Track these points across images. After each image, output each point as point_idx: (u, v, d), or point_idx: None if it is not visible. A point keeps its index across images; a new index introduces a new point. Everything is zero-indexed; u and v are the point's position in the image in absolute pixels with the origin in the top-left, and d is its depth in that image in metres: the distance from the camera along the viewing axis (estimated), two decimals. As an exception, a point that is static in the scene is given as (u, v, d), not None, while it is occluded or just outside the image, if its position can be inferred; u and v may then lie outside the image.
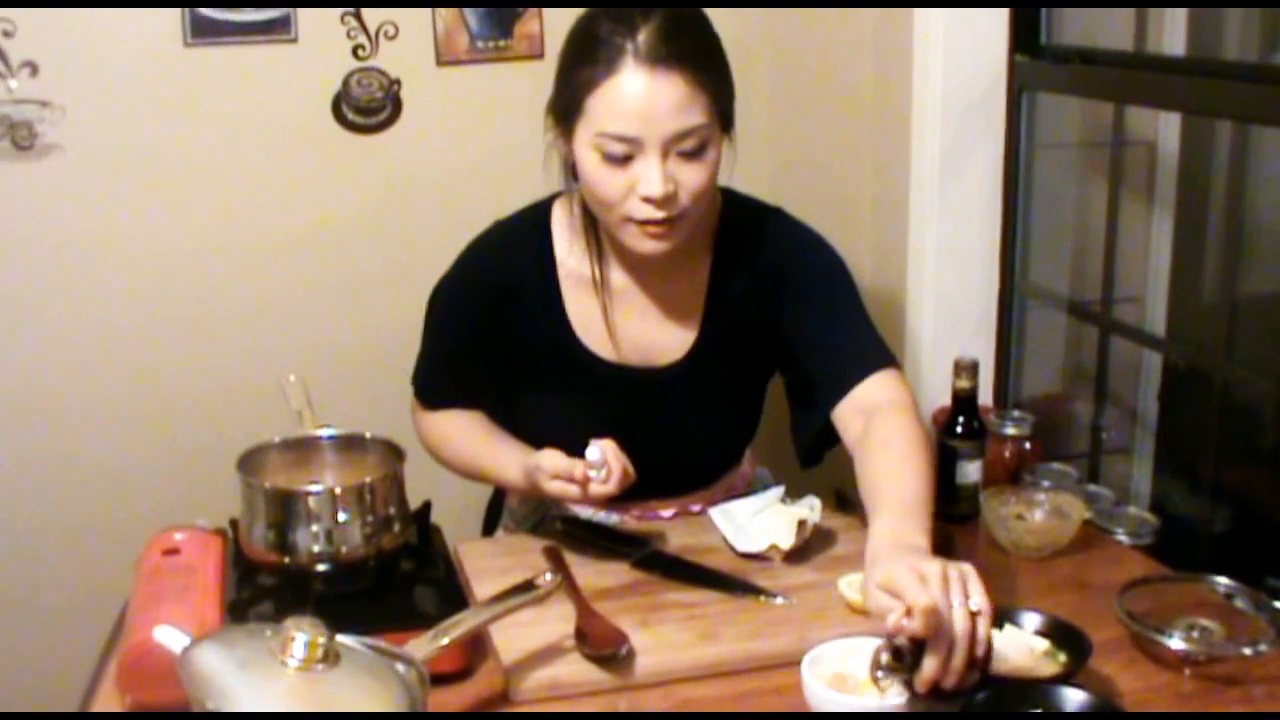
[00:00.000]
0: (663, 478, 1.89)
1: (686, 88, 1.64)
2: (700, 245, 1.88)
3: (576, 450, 1.71)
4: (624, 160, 1.66)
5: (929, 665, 1.34)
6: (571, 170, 1.77)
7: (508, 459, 1.84)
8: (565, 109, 1.72)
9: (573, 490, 1.70)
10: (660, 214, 1.68)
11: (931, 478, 1.64)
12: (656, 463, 1.78)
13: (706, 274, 1.88)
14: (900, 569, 1.39)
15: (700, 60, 1.67)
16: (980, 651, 1.36)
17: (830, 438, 1.83)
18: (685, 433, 1.92)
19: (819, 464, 1.92)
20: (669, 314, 1.88)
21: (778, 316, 1.87)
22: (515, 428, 1.92)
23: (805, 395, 1.87)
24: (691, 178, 1.68)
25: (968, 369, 1.95)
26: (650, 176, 1.65)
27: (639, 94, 1.63)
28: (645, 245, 1.73)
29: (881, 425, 1.70)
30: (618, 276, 1.87)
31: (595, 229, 1.84)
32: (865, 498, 1.64)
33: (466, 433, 1.93)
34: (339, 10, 2.27)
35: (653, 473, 1.78)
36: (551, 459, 1.72)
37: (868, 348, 1.83)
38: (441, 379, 1.96)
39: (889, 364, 1.80)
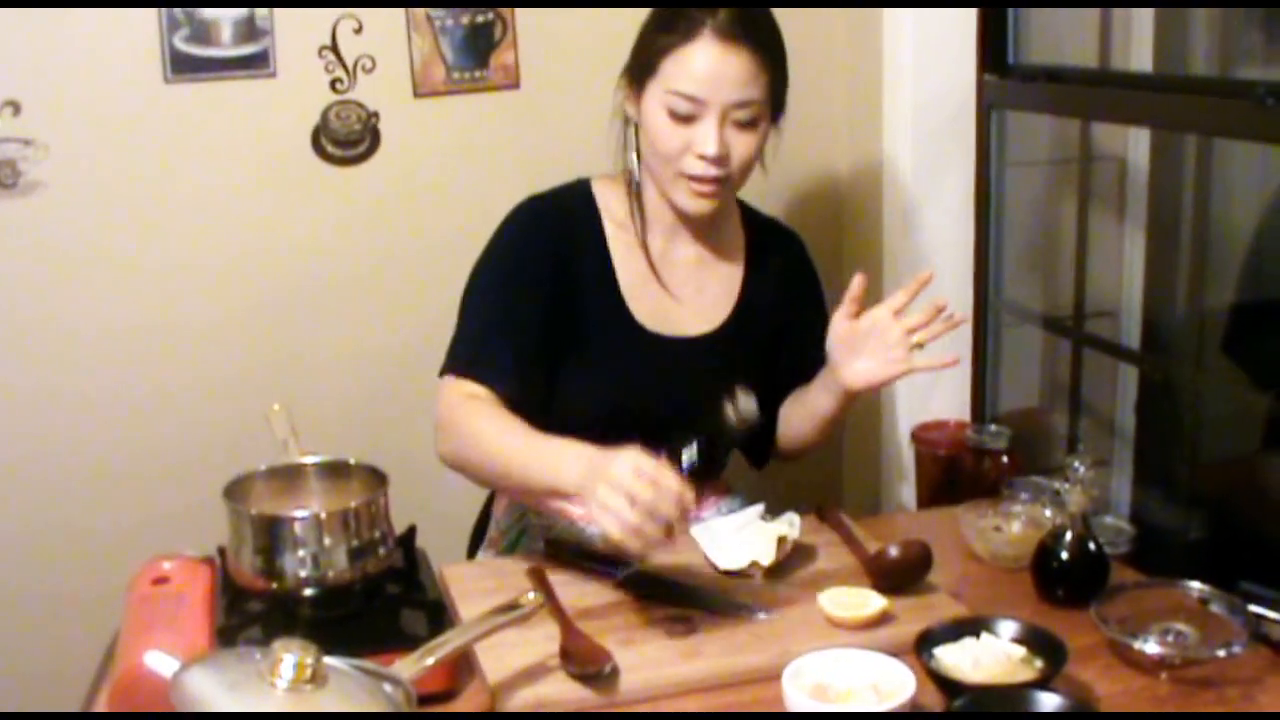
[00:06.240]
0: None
1: (751, 65, 1.84)
2: (734, 240, 2.07)
3: (596, 416, 1.88)
4: (687, 119, 1.85)
5: None
6: (634, 132, 1.95)
7: (559, 447, 1.74)
8: (641, 69, 1.90)
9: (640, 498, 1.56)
10: (712, 172, 1.87)
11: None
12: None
13: (742, 263, 2.06)
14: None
15: (766, 45, 1.87)
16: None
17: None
18: (709, 403, 1.89)
19: (767, 463, 2.16)
20: (705, 290, 2.04)
21: (785, 317, 2.08)
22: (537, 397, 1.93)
23: (772, 394, 2.04)
24: (741, 146, 1.88)
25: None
26: (708, 136, 1.84)
27: (710, 61, 1.83)
28: (692, 202, 1.91)
29: None
30: (662, 247, 2.01)
31: (642, 203, 1.99)
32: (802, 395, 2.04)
33: (510, 429, 1.82)
34: (316, 44, 2.30)
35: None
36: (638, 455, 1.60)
37: None
38: (493, 345, 1.91)
39: None
